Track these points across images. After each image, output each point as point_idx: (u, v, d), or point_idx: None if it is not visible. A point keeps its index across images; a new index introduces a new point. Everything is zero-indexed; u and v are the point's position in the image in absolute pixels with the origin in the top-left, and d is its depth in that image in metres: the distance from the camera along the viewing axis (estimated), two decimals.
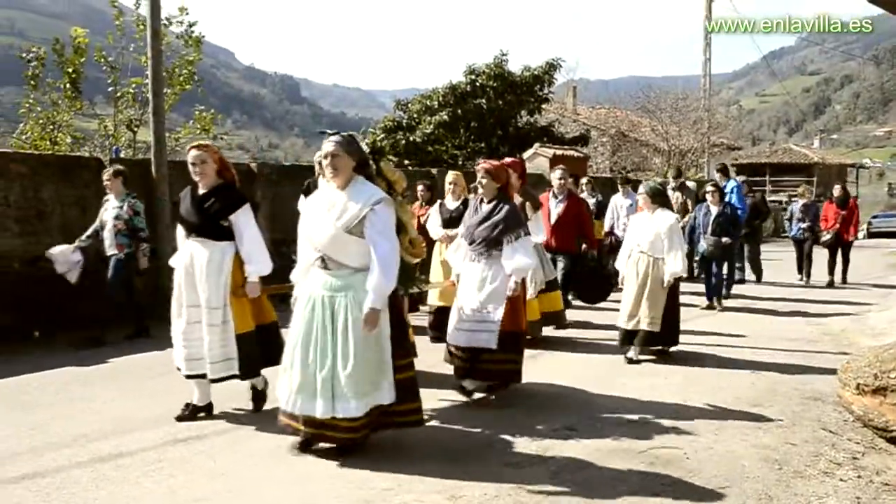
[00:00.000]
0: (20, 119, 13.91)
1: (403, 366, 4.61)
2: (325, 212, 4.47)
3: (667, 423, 5.26)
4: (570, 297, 9.31)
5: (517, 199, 6.82)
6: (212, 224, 5.14)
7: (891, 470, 4.50)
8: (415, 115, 22.06)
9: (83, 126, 15.96)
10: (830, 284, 13.33)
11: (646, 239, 7.22)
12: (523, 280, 5.94)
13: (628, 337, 7.32)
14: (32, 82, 13.32)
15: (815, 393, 6.07)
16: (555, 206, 8.92)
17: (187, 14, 14.23)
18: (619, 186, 12.81)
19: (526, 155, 17.70)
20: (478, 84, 21.19)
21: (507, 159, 7.24)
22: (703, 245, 10.49)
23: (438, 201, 8.37)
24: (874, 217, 47.17)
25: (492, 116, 21.22)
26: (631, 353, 7.25)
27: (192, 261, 5.16)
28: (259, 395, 5.48)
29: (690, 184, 14.15)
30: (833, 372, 6.26)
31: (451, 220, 7.76)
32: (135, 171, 9.12)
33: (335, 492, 4.05)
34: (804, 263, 13.74)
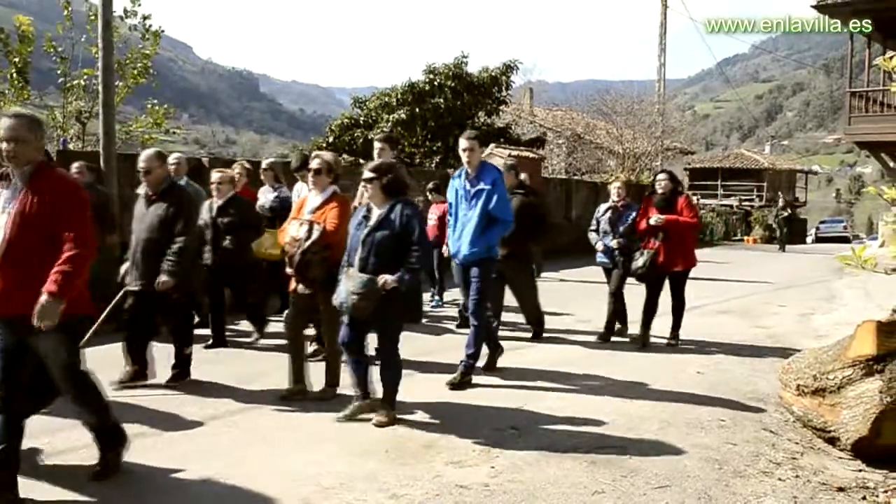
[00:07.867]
0: None
1: None
2: None
3: (609, 422, 5.30)
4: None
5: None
6: None
7: (828, 470, 4.61)
8: (372, 113, 22.01)
9: None
10: (642, 341, 7.95)
11: None
12: None
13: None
14: None
15: (757, 394, 6.18)
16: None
17: (140, 6, 14.00)
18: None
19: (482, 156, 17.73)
20: (436, 83, 21.23)
21: None
22: (342, 294, 5.01)
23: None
24: (822, 222, 48.82)
25: (449, 116, 21.25)
26: None
27: None
28: None
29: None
30: (775, 373, 6.41)
31: None
32: None
33: (278, 487, 4.03)
34: (608, 304, 8.38)
